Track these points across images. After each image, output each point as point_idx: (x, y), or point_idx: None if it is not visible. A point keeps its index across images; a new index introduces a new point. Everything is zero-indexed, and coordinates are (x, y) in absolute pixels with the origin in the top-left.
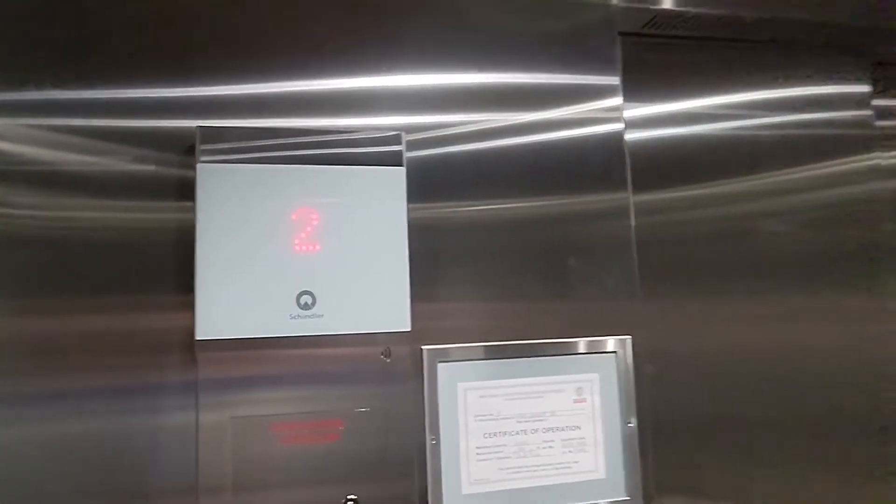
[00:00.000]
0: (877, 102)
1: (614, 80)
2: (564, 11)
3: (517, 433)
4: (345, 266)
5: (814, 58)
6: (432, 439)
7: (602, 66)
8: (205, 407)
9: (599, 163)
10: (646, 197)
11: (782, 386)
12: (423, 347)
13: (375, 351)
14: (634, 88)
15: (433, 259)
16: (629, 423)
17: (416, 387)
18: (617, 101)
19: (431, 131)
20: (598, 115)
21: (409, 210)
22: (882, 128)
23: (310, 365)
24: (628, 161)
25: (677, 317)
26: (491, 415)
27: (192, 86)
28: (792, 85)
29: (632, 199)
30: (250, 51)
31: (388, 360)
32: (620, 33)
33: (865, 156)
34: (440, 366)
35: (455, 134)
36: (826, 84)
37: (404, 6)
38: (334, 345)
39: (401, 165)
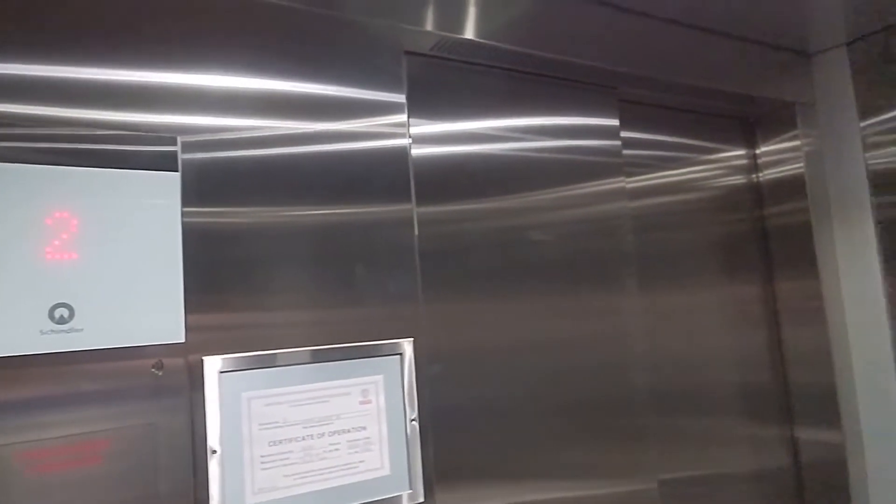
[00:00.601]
0: (624, 134)
1: (400, 98)
2: (351, 28)
3: (303, 438)
4: (109, 275)
5: (574, 92)
6: (212, 451)
7: (388, 84)
8: None
9: (385, 175)
10: (429, 209)
11: (550, 374)
12: (203, 358)
13: (145, 364)
14: (421, 106)
15: (214, 266)
16: (412, 420)
17: (196, 399)
18: (402, 117)
19: (214, 134)
20: (385, 129)
21: (186, 215)
22: (627, 156)
23: (68, 384)
24: (412, 174)
25: (457, 318)
26: (276, 422)
27: None
28: (557, 114)
29: (415, 210)
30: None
31: (160, 374)
32: (407, 52)
33: (614, 179)
34: (222, 376)
35: (240, 138)
36: (584, 116)
37: (189, 4)
38: (97, 360)
39: (175, 170)
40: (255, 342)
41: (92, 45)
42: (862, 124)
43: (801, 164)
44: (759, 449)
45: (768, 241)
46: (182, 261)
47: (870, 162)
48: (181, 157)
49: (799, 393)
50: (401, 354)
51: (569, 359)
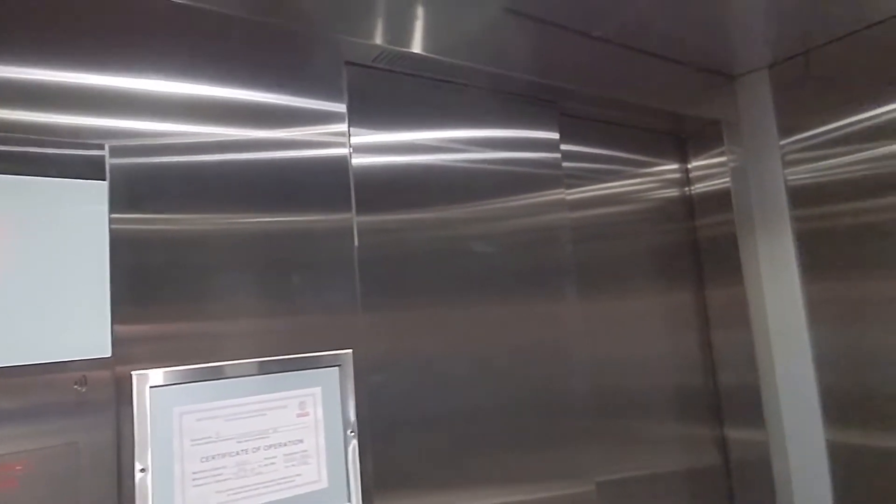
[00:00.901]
0: (564, 147)
1: (340, 107)
2: (291, 37)
3: (237, 453)
4: (26, 288)
5: (516, 105)
6: (140, 470)
7: (328, 93)
8: None
9: (325, 184)
10: (370, 218)
11: (490, 381)
12: (132, 372)
13: (67, 381)
14: (364, 116)
15: (144, 276)
16: (350, 431)
17: (124, 416)
18: (342, 126)
19: (146, 139)
20: (324, 138)
21: (115, 222)
22: (568, 169)
23: None
24: (353, 184)
25: (398, 328)
26: (209, 437)
27: None
28: (499, 127)
29: (355, 219)
30: None
31: (83, 390)
32: (348, 63)
33: (554, 191)
34: (153, 391)
35: (174, 144)
36: (525, 129)
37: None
38: (13, 377)
39: (102, 179)
40: (189, 355)
41: (13, 43)
42: (781, 143)
43: (728, 179)
44: (693, 449)
45: (699, 250)
46: (109, 271)
47: (788, 178)
48: (109, 163)
49: (727, 394)
50: (339, 366)
51: (508, 365)
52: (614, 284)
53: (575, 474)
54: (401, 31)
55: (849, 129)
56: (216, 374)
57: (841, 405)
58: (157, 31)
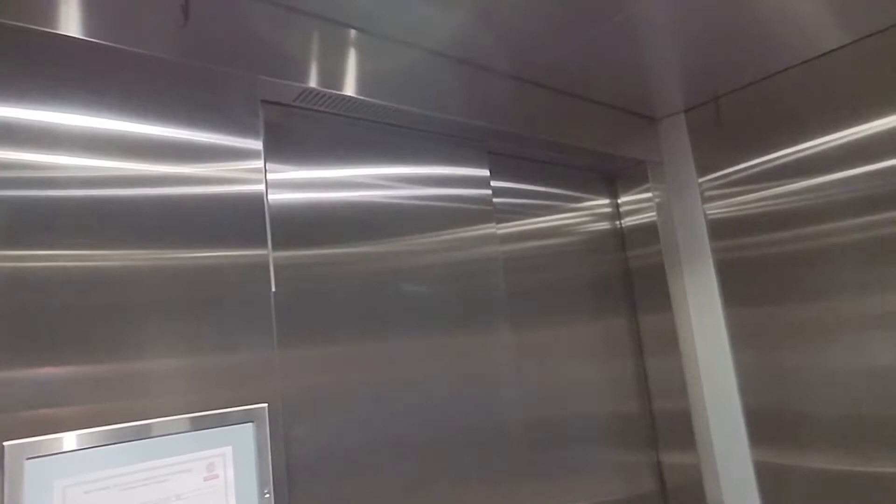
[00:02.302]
0: (494, 184)
1: (256, 144)
2: (205, 76)
3: None
4: None
5: (444, 145)
6: None
7: (243, 130)
8: None
9: (238, 220)
10: (289, 253)
11: (421, 418)
12: (4, 444)
13: None
14: (283, 153)
15: (22, 325)
16: (266, 493)
17: None
18: (257, 163)
19: (34, 171)
20: (238, 174)
21: None
22: (497, 204)
23: None
24: (268, 220)
25: (321, 372)
26: None
27: None
28: (428, 164)
29: (272, 255)
30: None
31: None
32: (265, 102)
33: (485, 226)
34: (28, 463)
35: (67, 177)
36: (454, 166)
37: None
38: None
39: None
40: (73, 419)
41: None
42: (700, 180)
43: (654, 214)
44: (630, 476)
45: (631, 281)
46: None
47: (708, 213)
48: None
49: (661, 419)
50: (253, 421)
51: (439, 401)
52: (549, 315)
53: None
54: (324, 71)
55: (759, 168)
56: (107, 439)
57: (765, 427)
58: (63, 65)
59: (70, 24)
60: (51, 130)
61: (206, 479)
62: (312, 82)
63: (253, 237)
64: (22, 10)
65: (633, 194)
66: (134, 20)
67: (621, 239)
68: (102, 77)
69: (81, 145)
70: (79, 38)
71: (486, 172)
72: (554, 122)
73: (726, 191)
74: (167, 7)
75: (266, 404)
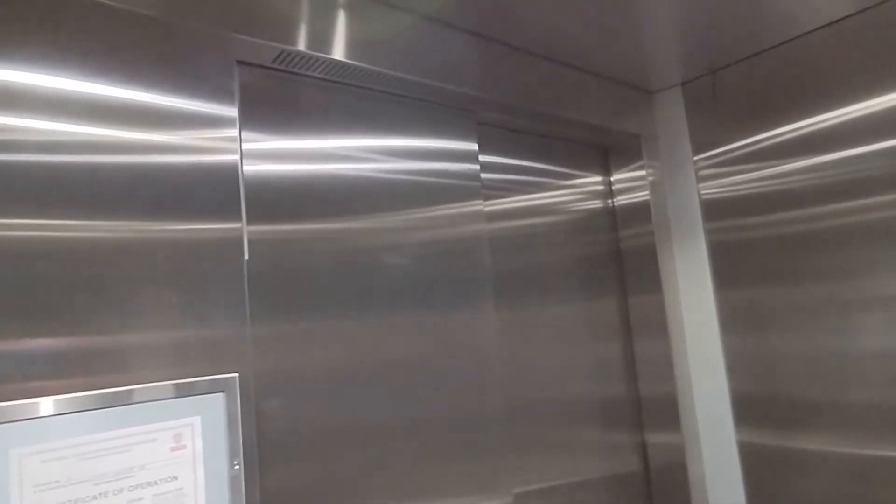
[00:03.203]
0: (482, 158)
1: (230, 111)
2: (175, 32)
3: (94, 497)
4: None
5: (432, 114)
6: None
7: (216, 95)
8: None
9: (210, 191)
10: (264, 228)
11: (401, 395)
12: None
13: None
14: (262, 121)
15: None
16: (235, 464)
17: None
18: (232, 132)
19: None
20: (210, 143)
21: None
22: (485, 180)
23: None
24: (243, 192)
25: (296, 345)
26: (58, 482)
27: None
28: (414, 136)
29: (246, 229)
30: None
31: None
32: (240, 63)
33: (472, 202)
34: None
35: (25, 141)
36: (442, 139)
37: None
38: None
39: None
40: (31, 386)
41: None
42: (695, 158)
43: (647, 192)
44: (614, 456)
45: (622, 261)
46: None
47: (702, 192)
48: None
49: (648, 400)
50: (223, 391)
51: (420, 380)
52: (536, 295)
53: (491, 487)
54: (307, 30)
55: (756, 147)
56: (69, 408)
57: (752, 408)
58: (22, 18)
59: None
60: (6, 89)
61: (172, 450)
62: (293, 43)
63: (226, 210)
64: None
65: (626, 171)
66: None
67: (613, 218)
68: (64, 32)
69: (40, 106)
70: None
71: (474, 146)
72: (547, 93)
73: (721, 170)
74: None
75: (237, 374)
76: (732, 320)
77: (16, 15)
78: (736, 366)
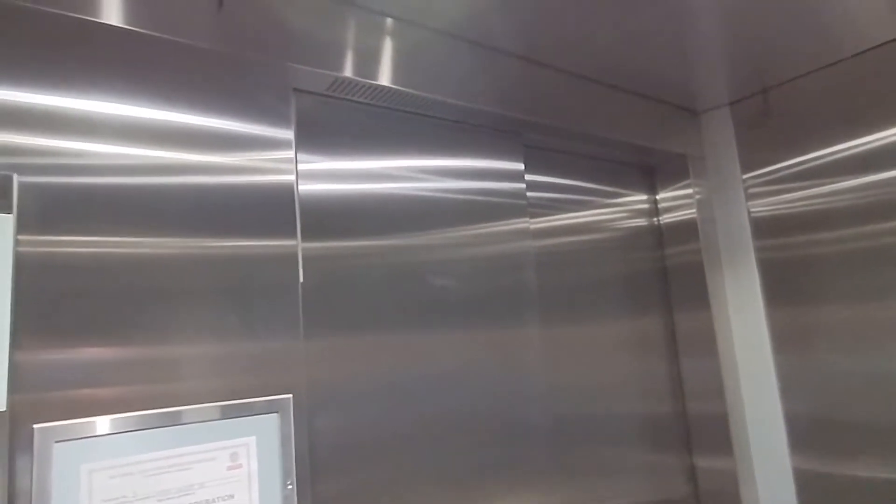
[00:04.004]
0: (528, 177)
1: (287, 134)
2: (237, 64)
3: None
4: None
5: (479, 136)
6: None
7: (275, 120)
8: None
9: (267, 210)
10: (318, 244)
11: (449, 411)
12: (34, 426)
13: None
14: (315, 143)
15: (53, 313)
16: (288, 484)
17: (21, 475)
18: (288, 153)
19: (67, 158)
20: (269, 164)
21: (22, 244)
22: (531, 198)
23: None
24: (298, 210)
25: (348, 363)
26: (125, 497)
27: None
28: (462, 157)
29: (301, 246)
30: None
31: None
32: (297, 90)
33: (518, 220)
34: (57, 446)
35: (99, 165)
36: (489, 159)
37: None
38: None
39: (8, 212)
40: (102, 404)
41: None
42: (744, 176)
43: (694, 210)
44: (662, 479)
45: (668, 279)
46: (11, 312)
47: (752, 210)
48: (17, 193)
49: (696, 422)
50: (278, 412)
51: (467, 394)
52: (581, 312)
53: None
54: (357, 60)
55: (809, 165)
56: (135, 425)
57: (806, 433)
58: (100, 53)
59: (111, 12)
60: (86, 118)
61: (229, 469)
62: (346, 71)
63: (282, 227)
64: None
65: (672, 190)
66: (170, 8)
67: (659, 235)
68: (137, 65)
69: (115, 133)
70: (117, 27)
71: (520, 166)
72: (592, 114)
73: (772, 188)
74: None
75: (291, 395)
76: (785, 339)
77: (92, 53)
78: (790, 387)
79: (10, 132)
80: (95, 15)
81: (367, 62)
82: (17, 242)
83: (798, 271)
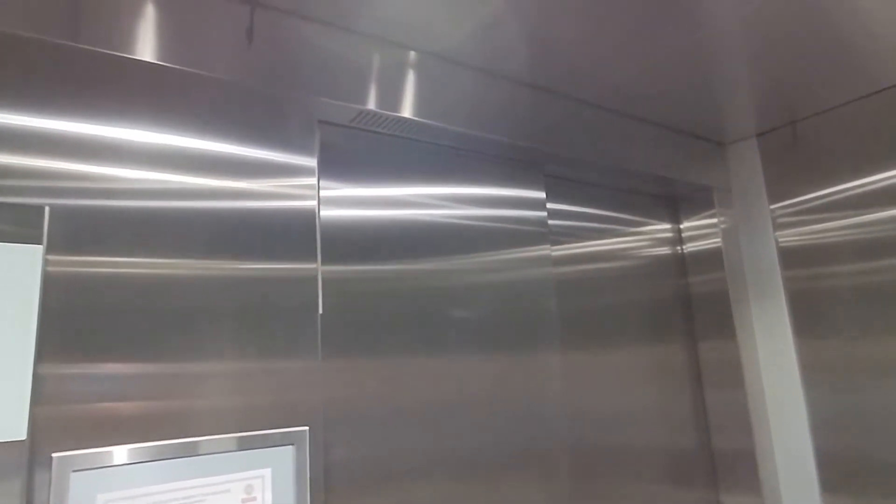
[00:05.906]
0: (550, 206)
1: (310, 162)
2: (263, 97)
3: None
4: None
5: (501, 167)
6: None
7: (299, 149)
8: None
9: (290, 234)
10: (338, 268)
11: (468, 439)
12: (53, 455)
13: None
14: (338, 171)
15: (75, 340)
16: None
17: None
18: (311, 180)
19: (96, 183)
20: (292, 190)
21: (51, 264)
22: (552, 226)
23: None
24: (319, 235)
25: (367, 388)
26: None
27: None
28: (483, 185)
29: (320, 269)
30: None
31: None
32: (321, 122)
33: (540, 247)
34: (74, 475)
35: (126, 189)
36: (510, 188)
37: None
38: None
39: (39, 243)
40: (118, 434)
41: None
42: (772, 207)
43: (719, 240)
44: None
45: (692, 307)
46: (35, 339)
47: (780, 240)
48: (47, 225)
49: (722, 457)
50: (294, 444)
51: (486, 423)
52: (602, 340)
53: None
54: (380, 94)
55: (838, 196)
56: (151, 455)
57: (837, 471)
58: (133, 86)
59: (146, 49)
60: (116, 145)
61: (244, 501)
62: (369, 104)
63: (303, 251)
64: (104, 38)
65: (696, 220)
66: (202, 45)
67: (682, 264)
68: (167, 97)
69: (143, 159)
70: (151, 62)
71: (542, 195)
72: (615, 147)
73: (801, 218)
74: (233, 31)
75: (307, 427)
76: (816, 373)
77: (125, 86)
78: (821, 423)
79: (45, 158)
80: (131, 52)
81: (390, 95)
82: (45, 262)
83: (829, 302)
